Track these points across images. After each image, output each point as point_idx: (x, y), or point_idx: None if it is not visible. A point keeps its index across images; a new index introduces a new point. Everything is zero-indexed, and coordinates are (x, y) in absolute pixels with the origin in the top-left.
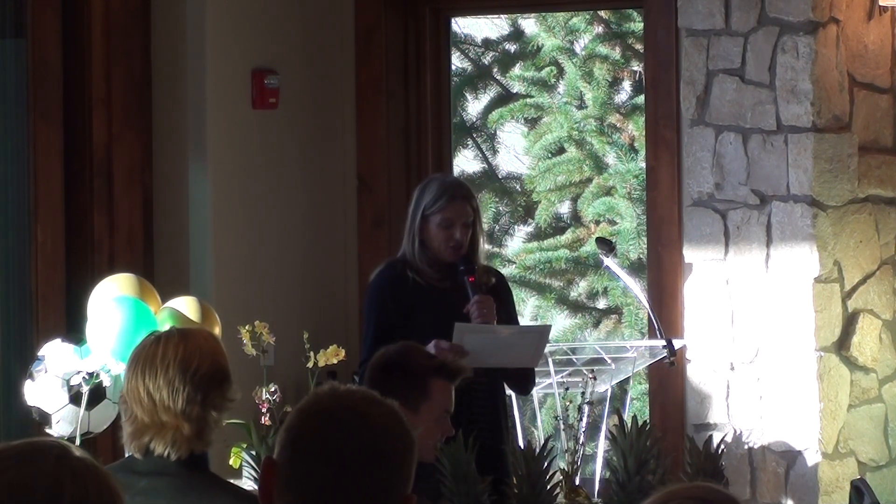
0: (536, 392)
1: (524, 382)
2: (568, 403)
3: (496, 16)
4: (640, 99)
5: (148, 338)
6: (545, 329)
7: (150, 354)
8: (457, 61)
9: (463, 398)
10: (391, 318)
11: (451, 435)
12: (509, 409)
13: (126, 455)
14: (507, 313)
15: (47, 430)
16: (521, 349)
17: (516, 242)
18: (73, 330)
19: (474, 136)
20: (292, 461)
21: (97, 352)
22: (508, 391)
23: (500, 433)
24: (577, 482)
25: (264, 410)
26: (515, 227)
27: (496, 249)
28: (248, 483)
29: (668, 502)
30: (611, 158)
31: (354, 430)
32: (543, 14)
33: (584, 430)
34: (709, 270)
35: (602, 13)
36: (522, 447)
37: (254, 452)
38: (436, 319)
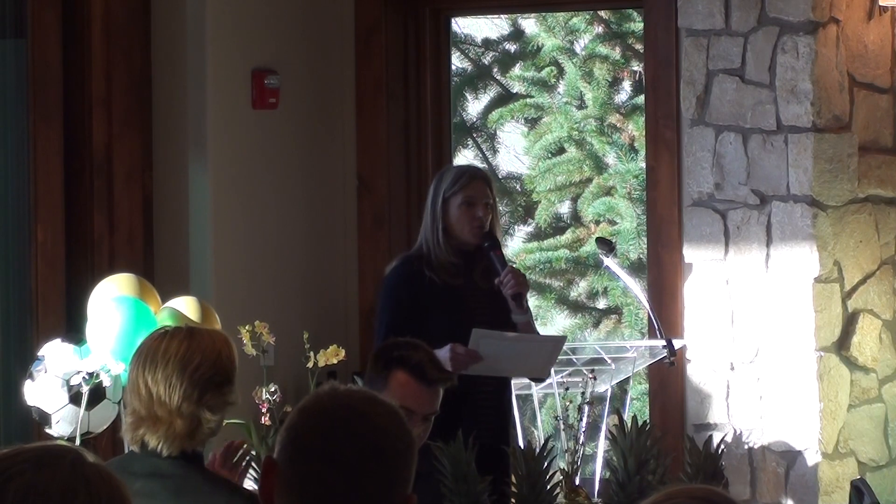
0: (536, 392)
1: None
2: (568, 403)
3: (496, 16)
4: (640, 99)
5: (157, 331)
6: (561, 339)
7: (153, 348)
8: (457, 61)
9: (468, 396)
10: (405, 315)
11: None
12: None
13: (125, 448)
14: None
15: (47, 430)
16: (534, 358)
17: (516, 242)
18: (73, 330)
19: (474, 136)
20: (292, 461)
21: (97, 352)
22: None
23: (504, 432)
24: (577, 482)
25: (264, 410)
26: (515, 227)
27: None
28: (248, 483)
29: (674, 499)
30: (611, 158)
31: (354, 429)
32: (543, 14)
33: (584, 430)
34: (709, 270)
35: (602, 13)
36: (522, 447)
37: (254, 452)
38: (448, 318)
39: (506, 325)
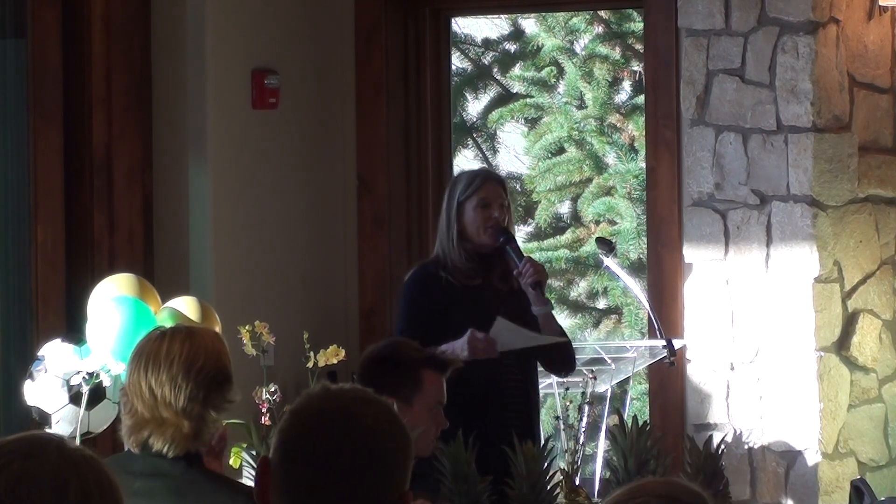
0: None
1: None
2: (568, 403)
3: (496, 16)
4: (640, 99)
5: (153, 332)
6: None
7: (154, 349)
8: (457, 61)
9: (494, 393)
10: (423, 317)
11: (446, 427)
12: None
13: (125, 448)
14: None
15: (47, 430)
16: (547, 353)
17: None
18: (73, 330)
19: (474, 136)
20: (284, 462)
21: (97, 352)
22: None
23: (531, 429)
24: (577, 482)
25: (264, 410)
26: (515, 227)
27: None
28: (247, 483)
29: (636, 499)
30: (611, 158)
31: (343, 430)
32: (543, 14)
33: (584, 430)
34: (709, 270)
35: (602, 13)
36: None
37: (254, 452)
38: (467, 318)
39: (525, 325)
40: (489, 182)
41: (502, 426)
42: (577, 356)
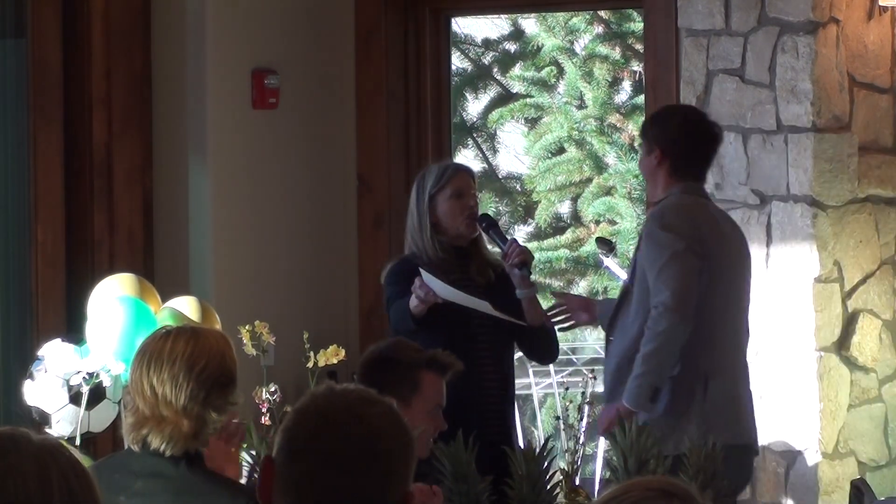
0: (536, 392)
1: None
2: (568, 403)
3: (496, 16)
4: (640, 99)
5: (158, 331)
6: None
7: (158, 348)
8: (457, 61)
9: (473, 394)
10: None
11: (444, 429)
12: None
13: (125, 447)
14: (515, 303)
15: (47, 430)
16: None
17: None
18: (73, 330)
19: (474, 136)
20: (288, 462)
21: (97, 352)
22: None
23: (508, 431)
24: (577, 482)
25: (264, 410)
26: (515, 227)
27: (496, 249)
28: (245, 481)
29: (630, 493)
30: (611, 158)
31: (348, 430)
32: (543, 14)
33: (584, 430)
34: None
35: (602, 13)
36: (522, 447)
37: (254, 452)
38: (447, 311)
39: (510, 313)
40: (460, 173)
41: (478, 423)
42: (577, 356)
